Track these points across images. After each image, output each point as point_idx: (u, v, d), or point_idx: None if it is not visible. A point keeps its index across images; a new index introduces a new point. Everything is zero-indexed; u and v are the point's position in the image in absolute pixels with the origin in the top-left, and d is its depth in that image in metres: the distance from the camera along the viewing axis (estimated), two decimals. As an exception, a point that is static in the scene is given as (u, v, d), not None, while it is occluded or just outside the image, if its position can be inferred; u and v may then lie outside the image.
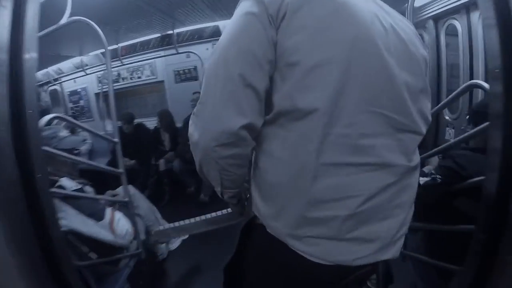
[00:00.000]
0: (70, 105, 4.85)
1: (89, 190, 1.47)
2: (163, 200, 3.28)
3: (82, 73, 4.38)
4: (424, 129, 0.63)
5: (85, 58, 4.37)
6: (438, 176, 1.05)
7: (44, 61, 4.40)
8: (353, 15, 0.53)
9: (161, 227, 1.49)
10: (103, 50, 4.37)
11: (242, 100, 0.53)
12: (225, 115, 0.53)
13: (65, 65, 4.58)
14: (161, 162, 3.31)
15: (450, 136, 2.95)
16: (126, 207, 1.57)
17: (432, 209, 1.10)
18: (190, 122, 0.58)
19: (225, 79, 0.53)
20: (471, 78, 2.52)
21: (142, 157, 3.45)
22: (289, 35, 0.52)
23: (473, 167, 0.98)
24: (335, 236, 0.55)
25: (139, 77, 4.16)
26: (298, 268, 0.58)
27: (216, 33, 3.77)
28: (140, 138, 3.54)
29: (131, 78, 4.21)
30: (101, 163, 4.26)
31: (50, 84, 4.88)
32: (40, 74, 5.08)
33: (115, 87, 4.31)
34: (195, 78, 3.95)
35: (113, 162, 3.63)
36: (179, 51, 3.64)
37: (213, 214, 1.27)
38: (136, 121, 3.72)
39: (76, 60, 4.38)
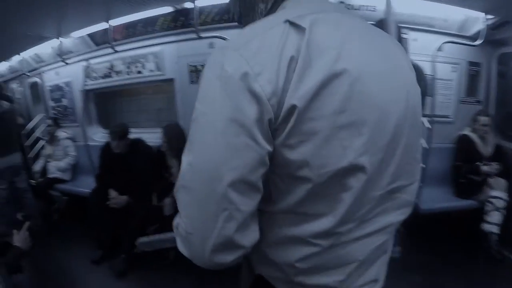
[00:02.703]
0: (51, 103, 3.73)
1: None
2: (168, 258, 2.22)
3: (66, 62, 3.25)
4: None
5: (67, 42, 3.20)
6: None
7: (19, 44, 3.29)
8: (370, 94, 0.43)
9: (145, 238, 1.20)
10: (92, 31, 3.26)
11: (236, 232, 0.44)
12: (218, 255, 0.44)
13: (45, 51, 3.45)
14: (167, 202, 2.18)
15: None
16: None
17: None
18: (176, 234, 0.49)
19: (216, 214, 0.42)
20: None
21: (138, 191, 2.33)
22: (295, 145, 0.42)
23: None
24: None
25: (139, 72, 2.87)
26: None
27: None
28: (136, 161, 2.42)
29: (127, 73, 2.93)
30: (85, 183, 2.97)
31: (29, 76, 3.78)
32: (14, 62, 4.01)
33: (105, 84, 3.16)
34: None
35: (98, 191, 2.56)
36: (201, 36, 2.44)
37: None
38: (133, 132, 2.60)
39: (57, 44, 3.23)
